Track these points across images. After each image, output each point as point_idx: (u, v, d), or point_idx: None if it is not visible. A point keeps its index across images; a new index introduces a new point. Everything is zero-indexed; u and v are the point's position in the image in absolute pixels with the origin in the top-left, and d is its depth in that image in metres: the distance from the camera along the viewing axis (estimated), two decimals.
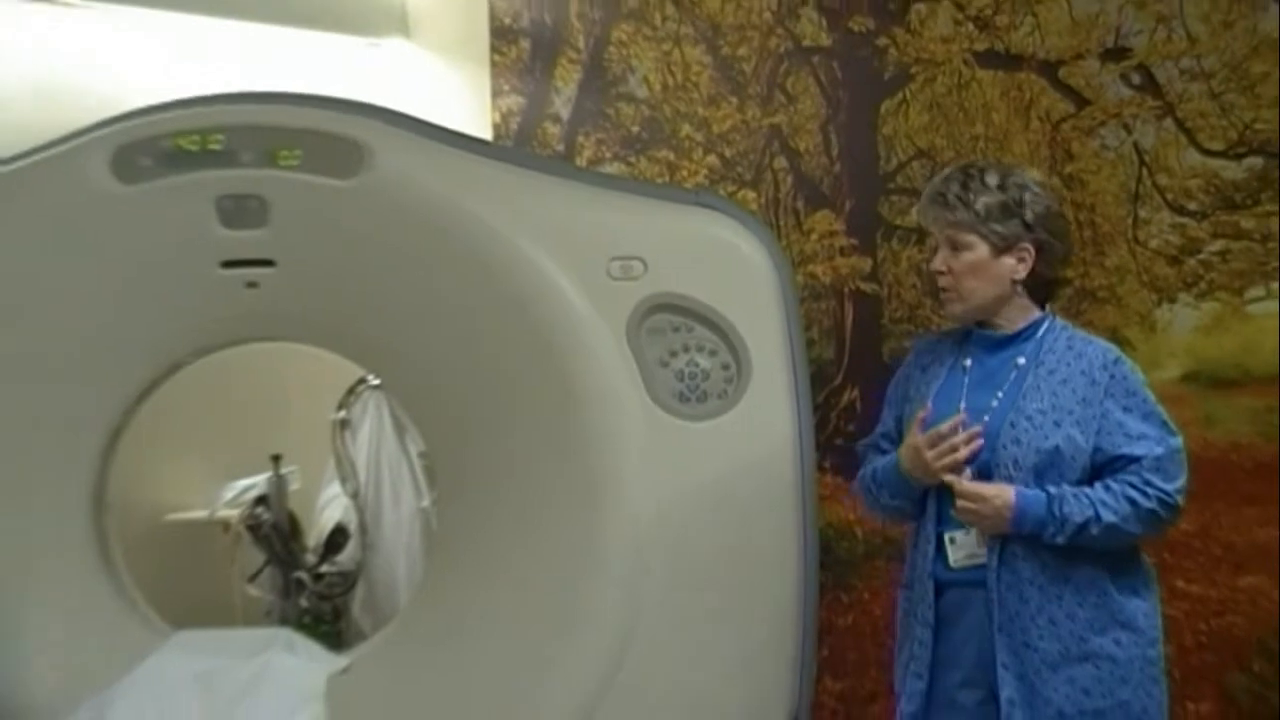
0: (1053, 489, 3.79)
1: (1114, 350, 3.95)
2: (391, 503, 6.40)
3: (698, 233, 4.83)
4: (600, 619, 4.70)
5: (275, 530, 6.33)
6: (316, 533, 6.45)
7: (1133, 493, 3.75)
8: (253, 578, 6.36)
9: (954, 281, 4.06)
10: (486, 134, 7.01)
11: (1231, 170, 5.34)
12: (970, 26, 5.97)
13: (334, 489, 6.48)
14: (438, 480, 5.44)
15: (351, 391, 6.38)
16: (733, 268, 4.80)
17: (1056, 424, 3.84)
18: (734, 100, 6.56)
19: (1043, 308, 4.05)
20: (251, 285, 4.83)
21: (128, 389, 5.00)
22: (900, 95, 6.15)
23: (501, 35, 7.17)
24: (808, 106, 6.37)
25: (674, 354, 4.74)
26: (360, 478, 6.41)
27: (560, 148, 6.98)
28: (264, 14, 6.93)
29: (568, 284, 4.67)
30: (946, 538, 4.01)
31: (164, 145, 4.79)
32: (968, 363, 4.06)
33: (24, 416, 4.84)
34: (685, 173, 6.59)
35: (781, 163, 6.41)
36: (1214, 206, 5.40)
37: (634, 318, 4.71)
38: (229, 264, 4.81)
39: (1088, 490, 3.78)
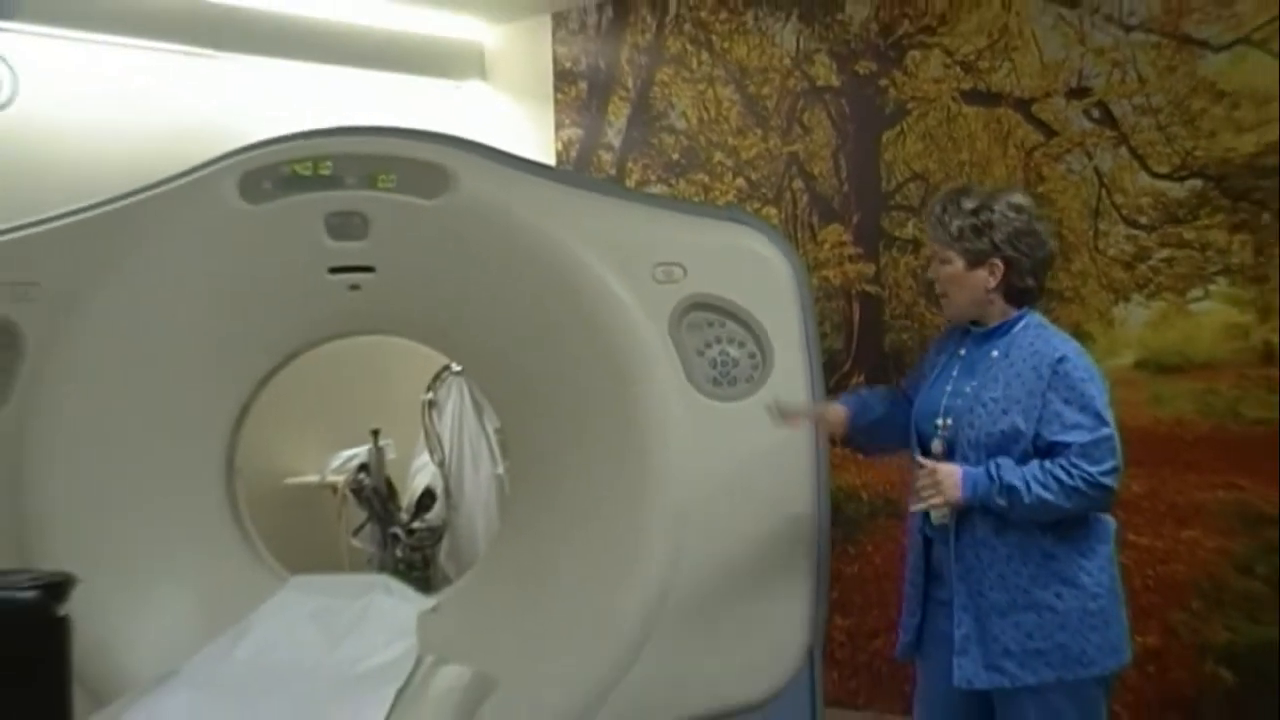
0: (991, 465, 3.77)
1: (1062, 350, 3.87)
2: (471, 470, 6.42)
3: (729, 243, 4.85)
4: (647, 566, 4.71)
5: (375, 493, 6.39)
6: (409, 495, 6.47)
7: (1059, 473, 3.71)
8: (356, 532, 6.43)
9: (942, 288, 4.07)
10: (551, 160, 7.04)
11: (1175, 190, 5.30)
12: (957, 69, 5.93)
13: (423, 458, 6.50)
14: (510, 451, 5.54)
15: (438, 377, 6.43)
16: (758, 272, 4.82)
17: (1005, 411, 3.82)
18: (758, 131, 6.56)
19: (1020, 307, 3.99)
20: (354, 288, 4.87)
21: (253, 374, 5.04)
22: (899, 127, 6.12)
23: (563, 78, 7.22)
24: (820, 137, 6.36)
25: (708, 345, 4.76)
26: (445, 449, 6.44)
27: (613, 172, 7.00)
28: (365, 61, 6.98)
29: (619, 286, 4.70)
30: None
31: (283, 171, 4.83)
32: (962, 352, 4.04)
33: (170, 397, 4.88)
34: (717, 192, 6.60)
35: (799, 184, 6.41)
36: (1161, 221, 5.35)
37: (675, 314, 4.74)
38: (336, 270, 4.85)
39: (1022, 467, 3.76)
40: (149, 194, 4.95)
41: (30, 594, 1.83)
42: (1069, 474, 3.71)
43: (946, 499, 3.79)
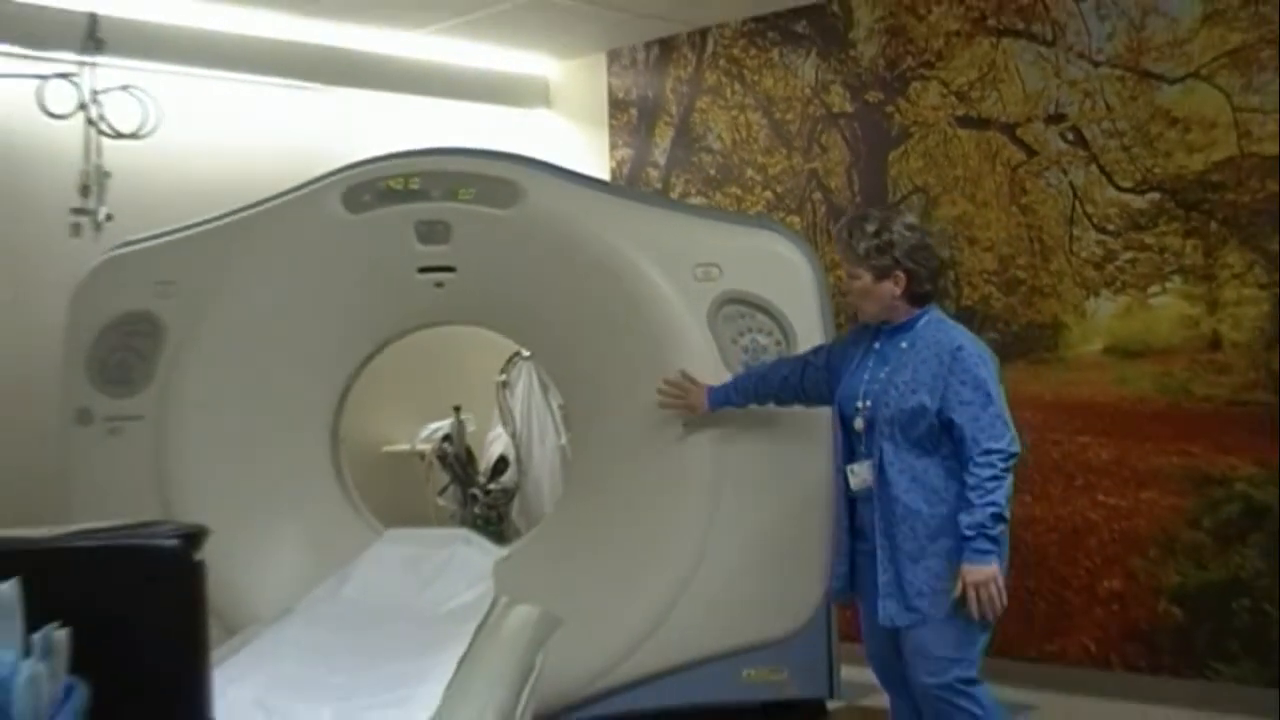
0: (964, 530, 3.75)
1: (959, 340, 3.88)
2: (538, 440, 6.42)
3: (759, 247, 4.88)
4: (688, 525, 4.72)
5: (457, 459, 6.40)
6: (486, 461, 6.45)
7: (982, 471, 3.74)
8: (441, 493, 6.43)
9: (853, 300, 4.12)
10: (606, 176, 7.04)
11: (1138, 202, 5.25)
12: (953, 98, 5.88)
13: (498, 430, 6.50)
14: (571, 424, 5.58)
15: (510, 361, 6.43)
16: (784, 271, 4.85)
17: (914, 391, 3.84)
18: (783, 151, 6.53)
19: (922, 307, 4.01)
20: (439, 285, 4.90)
21: (354, 358, 5.08)
22: (903, 147, 6.05)
23: (617, 106, 7.20)
24: (836, 155, 6.31)
25: (741, 334, 4.78)
26: (516, 422, 6.44)
27: (659, 186, 6.96)
28: (448, 93, 6.98)
29: (665, 283, 4.72)
30: (848, 469, 4.04)
31: (379, 186, 4.86)
32: (876, 345, 4.05)
33: (284, 378, 4.92)
34: (749, 203, 6.57)
35: (818, 195, 6.38)
36: (1125, 228, 5.31)
37: (712, 308, 4.76)
38: (423, 270, 4.88)
39: (970, 500, 3.76)
40: (266, 206, 5.00)
41: (172, 542, 1.83)
42: (989, 465, 3.75)
43: (997, 584, 3.77)
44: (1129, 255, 5.44)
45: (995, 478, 3.75)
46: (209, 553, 1.87)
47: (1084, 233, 5.55)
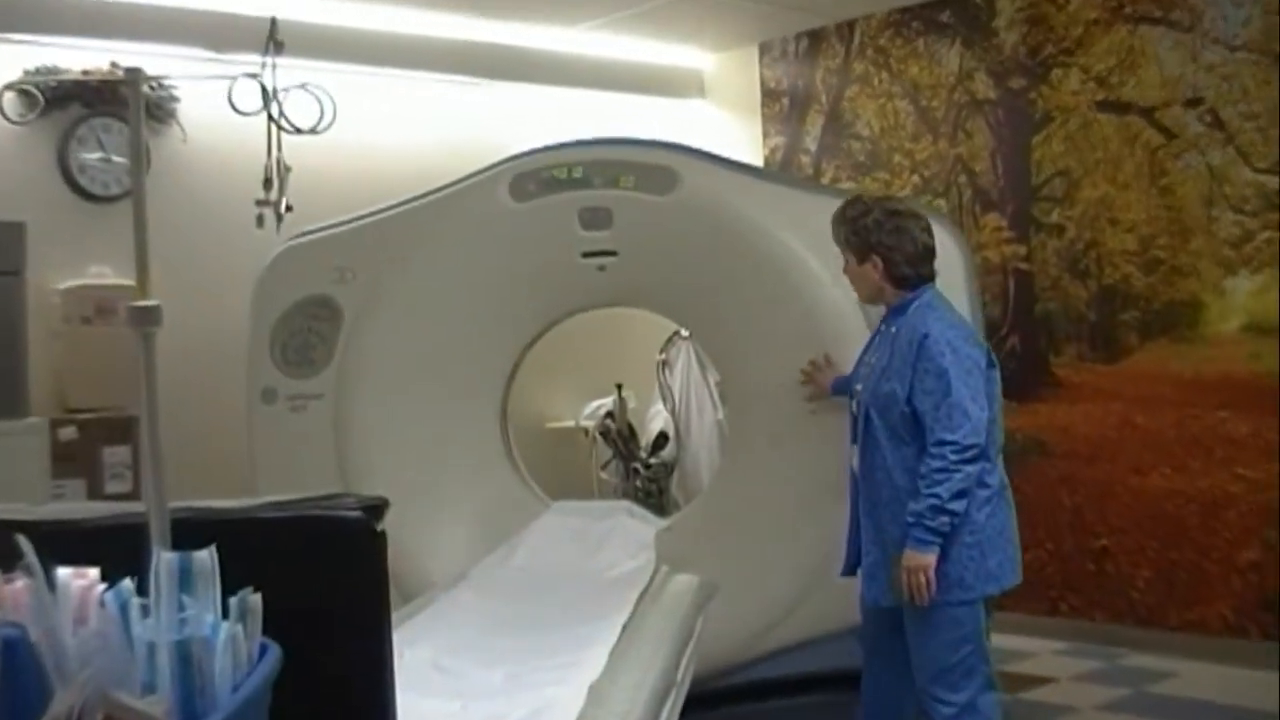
0: (907, 516, 3.69)
1: (926, 328, 3.76)
2: (697, 416, 6.42)
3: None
4: (836, 499, 4.51)
5: (619, 435, 6.44)
6: (646, 436, 6.48)
7: (935, 464, 3.65)
8: (604, 467, 6.48)
9: (850, 283, 4.08)
10: (759, 163, 7.04)
11: (1274, 182, 5.25)
12: (1093, 84, 5.85)
13: (658, 407, 6.52)
14: (728, 400, 5.54)
15: (669, 340, 6.45)
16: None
17: (888, 379, 3.78)
18: (929, 137, 6.50)
19: (913, 290, 3.91)
20: (601, 269, 4.90)
21: (521, 340, 5.11)
22: (1045, 132, 6.02)
23: (769, 95, 7.21)
24: (980, 140, 6.28)
25: None
26: (675, 399, 6.45)
27: (810, 172, 6.99)
28: (607, 85, 7.02)
29: (817, 264, 4.65)
30: (852, 449, 4.01)
31: (543, 175, 4.88)
32: (881, 328, 4.01)
33: (456, 358, 4.95)
34: (897, 187, 6.53)
35: (963, 179, 6.35)
36: (1262, 208, 5.28)
37: None
38: (586, 255, 4.89)
39: (917, 500, 3.68)
40: (436, 196, 5.03)
41: (355, 514, 1.85)
42: (939, 457, 3.66)
43: (927, 574, 3.70)
44: (1266, 235, 5.37)
45: (943, 470, 3.65)
46: (388, 523, 1.88)
47: (1222, 213, 5.48)
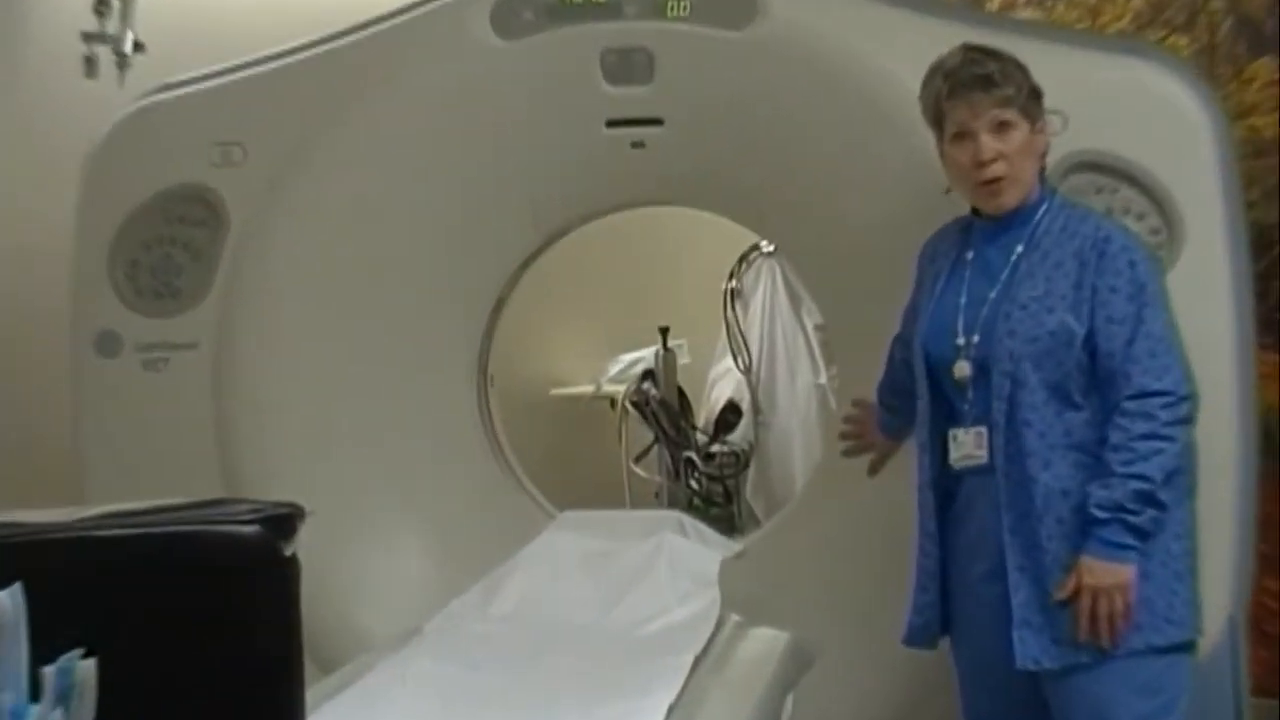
0: (1094, 509, 3.71)
1: (1107, 227, 3.90)
2: (786, 378, 6.48)
3: (1123, 83, 4.70)
4: None
5: (663, 407, 6.41)
6: (706, 410, 6.57)
7: (1133, 427, 3.68)
8: (639, 457, 6.48)
9: (1009, 168, 3.98)
10: None
11: None
12: None
13: (725, 364, 6.59)
14: (836, 354, 5.51)
15: (743, 259, 6.47)
16: (1164, 122, 4.66)
17: (1050, 310, 3.80)
18: None
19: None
20: (637, 145, 4.83)
21: (511, 255, 5.09)
22: None
23: None
24: None
25: None
26: (752, 352, 6.49)
27: None
28: None
29: None
30: (950, 437, 3.99)
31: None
32: (969, 255, 4.02)
33: (409, 287, 4.94)
34: (1108, 18, 6.44)
35: (1218, 3, 6.24)
36: None
37: (1052, 178, 4.47)
38: (614, 123, 4.82)
39: (1111, 466, 3.70)
40: (377, 30, 4.98)
41: (249, 530, 1.85)
42: (1145, 416, 3.69)
43: (1125, 597, 3.72)
44: None
45: (1150, 436, 3.69)
46: (303, 546, 1.90)
47: None
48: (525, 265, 5.16)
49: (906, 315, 4.34)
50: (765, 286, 6.48)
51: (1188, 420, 3.73)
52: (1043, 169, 4.03)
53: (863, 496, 4.79)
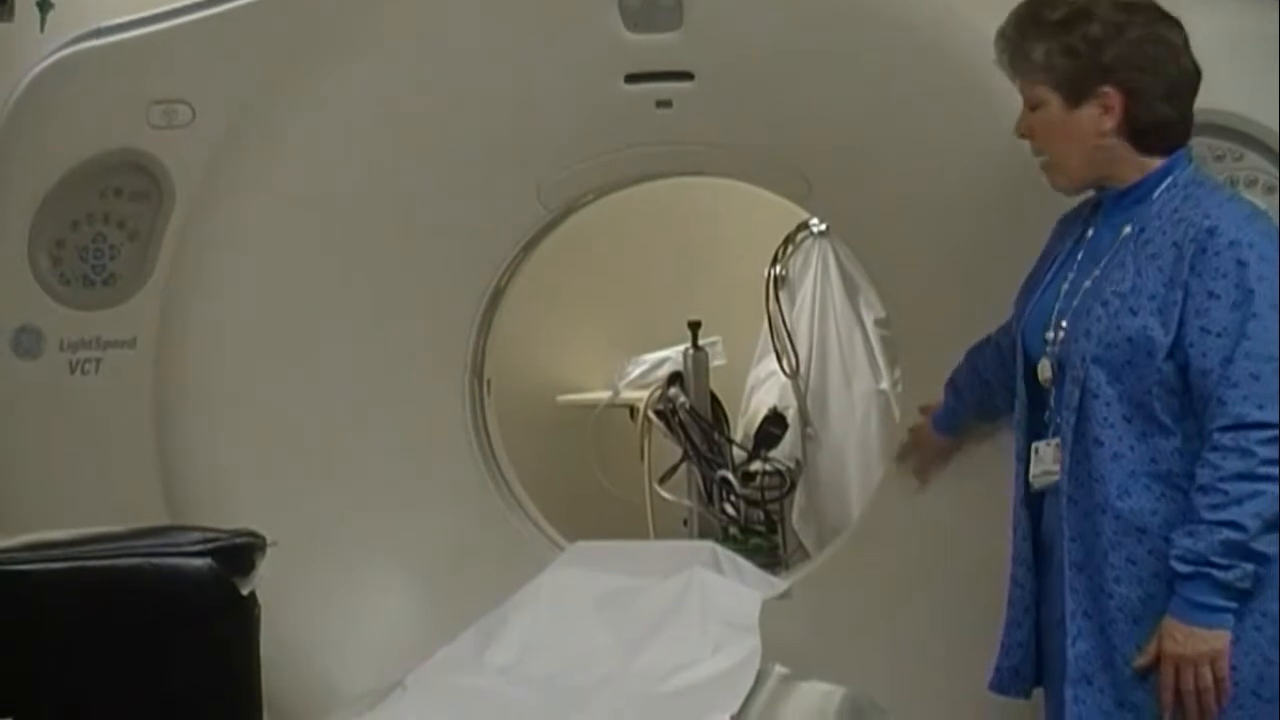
0: (1175, 561, 3.64)
1: (1218, 215, 3.76)
2: (840, 383, 6.49)
3: (1244, 30, 4.67)
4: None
5: (693, 417, 6.43)
6: (745, 421, 6.56)
7: (1225, 464, 3.60)
8: (665, 477, 6.49)
9: (1042, 148, 4.02)
10: None
11: None
12: None
13: (767, 365, 6.59)
14: (901, 354, 5.50)
15: (789, 241, 6.48)
16: None
17: (1133, 311, 3.75)
18: None
19: (1164, 155, 3.92)
20: (663, 104, 4.86)
21: (511, 236, 5.11)
22: None
23: None
24: None
25: None
26: (800, 351, 6.50)
27: None
28: None
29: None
30: (1032, 451, 3.99)
31: None
32: (1090, 233, 4.01)
33: (389, 273, 4.98)
34: None
35: None
36: None
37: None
38: (635, 78, 4.85)
39: (1198, 511, 3.63)
40: None
41: (199, 564, 1.88)
42: (1240, 452, 3.61)
43: (1218, 669, 3.67)
44: None
45: (1248, 475, 3.62)
46: (263, 582, 2.00)
47: None
48: (528, 248, 5.18)
49: (1019, 296, 4.30)
50: (815, 273, 6.48)
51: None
52: (1152, 132, 3.88)
53: (931, 522, 4.84)
